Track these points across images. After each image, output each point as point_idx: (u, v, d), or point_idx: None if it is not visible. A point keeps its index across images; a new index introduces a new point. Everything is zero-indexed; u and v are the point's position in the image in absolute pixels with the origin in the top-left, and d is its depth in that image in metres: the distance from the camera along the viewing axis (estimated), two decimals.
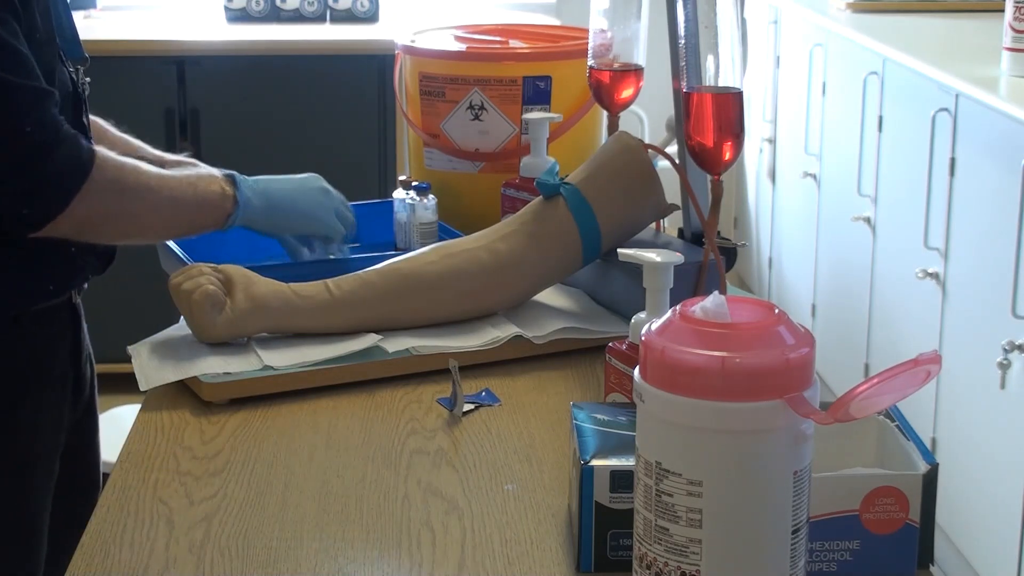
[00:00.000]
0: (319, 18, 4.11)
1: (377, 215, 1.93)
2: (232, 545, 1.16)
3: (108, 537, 1.17)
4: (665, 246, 1.58)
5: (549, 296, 1.65)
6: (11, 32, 1.41)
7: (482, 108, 1.94)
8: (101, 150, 1.48)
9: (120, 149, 1.60)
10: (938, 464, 1.08)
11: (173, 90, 3.79)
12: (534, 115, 1.84)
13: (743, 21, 1.45)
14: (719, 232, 1.53)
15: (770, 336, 0.90)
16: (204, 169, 1.65)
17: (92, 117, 1.67)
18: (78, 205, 1.44)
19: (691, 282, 1.52)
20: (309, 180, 1.74)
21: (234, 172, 1.64)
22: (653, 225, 1.67)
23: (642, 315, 1.29)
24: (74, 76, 1.57)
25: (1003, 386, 2.46)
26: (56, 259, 1.55)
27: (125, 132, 1.75)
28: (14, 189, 1.42)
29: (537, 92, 1.94)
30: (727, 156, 1.45)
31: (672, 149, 2.30)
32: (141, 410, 1.42)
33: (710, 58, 1.44)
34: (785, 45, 3.98)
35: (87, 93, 1.61)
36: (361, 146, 3.80)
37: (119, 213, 1.51)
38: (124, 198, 1.50)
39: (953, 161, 2.73)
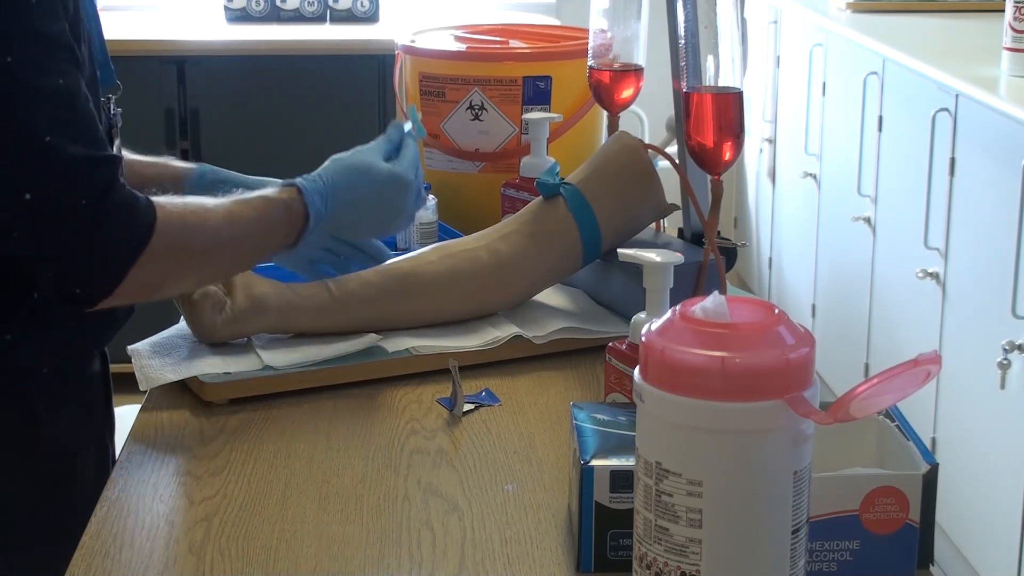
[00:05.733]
0: (319, 18, 4.11)
1: None
2: (232, 545, 1.15)
3: (108, 537, 1.17)
4: (665, 246, 1.58)
5: (549, 296, 1.65)
6: (82, 92, 1.27)
7: (482, 108, 1.94)
8: (163, 210, 1.30)
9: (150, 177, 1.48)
10: (938, 464, 1.08)
11: (173, 90, 3.79)
12: (534, 115, 1.84)
13: (743, 21, 1.45)
14: (719, 232, 1.53)
15: (770, 336, 0.89)
16: (269, 189, 1.43)
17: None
18: (135, 275, 1.28)
19: (691, 282, 1.52)
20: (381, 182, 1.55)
21: (301, 182, 1.42)
22: (653, 225, 1.67)
23: (642, 315, 1.29)
24: (105, 107, 1.46)
25: (1003, 386, 2.46)
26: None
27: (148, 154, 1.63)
28: (62, 270, 1.27)
29: (537, 92, 1.94)
30: (727, 156, 1.45)
31: (672, 149, 2.30)
32: (141, 410, 1.42)
33: (710, 58, 1.44)
34: (785, 45, 3.98)
35: (120, 124, 1.49)
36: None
37: (178, 276, 1.35)
38: (187, 262, 1.34)
39: (953, 161, 2.73)
